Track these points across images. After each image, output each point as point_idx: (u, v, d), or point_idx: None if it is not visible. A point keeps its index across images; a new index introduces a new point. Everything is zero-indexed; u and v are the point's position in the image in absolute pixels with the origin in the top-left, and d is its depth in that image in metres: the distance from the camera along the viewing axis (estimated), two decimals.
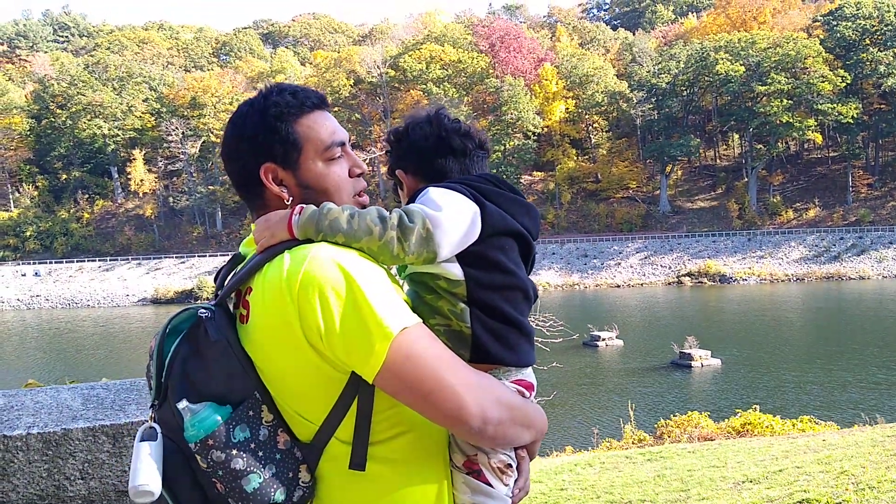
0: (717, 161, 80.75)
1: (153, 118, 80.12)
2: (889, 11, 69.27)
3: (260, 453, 1.28)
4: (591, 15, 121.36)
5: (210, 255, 69.99)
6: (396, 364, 1.24)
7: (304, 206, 1.35)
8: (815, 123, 68.69)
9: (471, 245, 1.36)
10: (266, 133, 1.42)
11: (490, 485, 1.40)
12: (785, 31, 74.16)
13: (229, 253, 73.75)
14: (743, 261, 63.76)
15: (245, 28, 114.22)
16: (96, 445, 1.94)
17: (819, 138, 72.74)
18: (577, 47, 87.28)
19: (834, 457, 6.95)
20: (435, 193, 1.36)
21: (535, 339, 1.63)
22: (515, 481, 1.46)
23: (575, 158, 79.35)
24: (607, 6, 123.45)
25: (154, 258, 71.22)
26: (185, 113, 78.80)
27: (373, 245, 1.30)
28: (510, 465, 1.43)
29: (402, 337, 1.24)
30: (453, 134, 1.54)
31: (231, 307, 1.39)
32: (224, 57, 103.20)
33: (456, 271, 1.37)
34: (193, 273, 67.19)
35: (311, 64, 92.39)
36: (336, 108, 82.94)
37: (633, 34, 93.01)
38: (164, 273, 68.48)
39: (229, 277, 1.43)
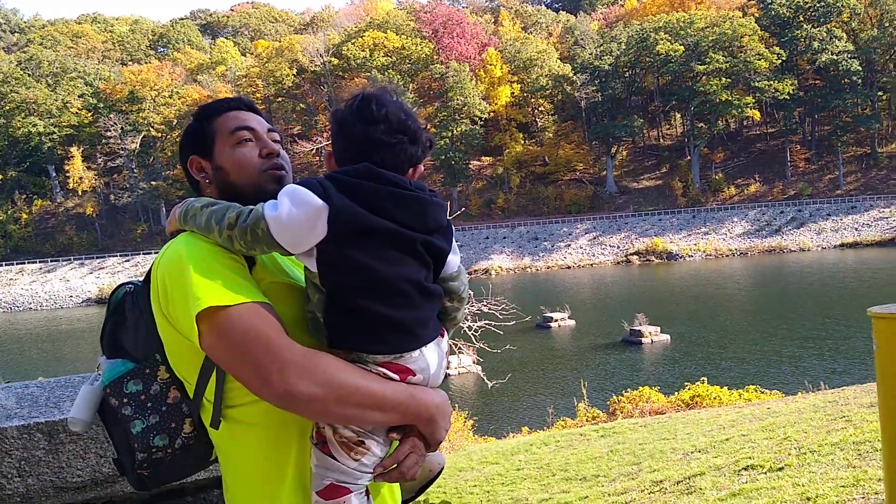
0: (661, 141, 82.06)
1: (90, 114, 78.03)
2: None
3: (149, 405, 1.52)
4: None
5: (156, 253, 67.66)
6: (210, 336, 1.38)
7: (188, 199, 1.55)
8: (753, 101, 70.27)
9: (324, 242, 1.39)
10: (191, 132, 1.70)
11: (334, 458, 1.43)
12: (721, 11, 75.55)
13: None
14: (688, 238, 65.06)
15: (182, 19, 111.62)
16: (32, 443, 1.92)
17: (757, 115, 74.45)
18: (520, 31, 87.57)
19: (777, 423, 7.16)
20: (285, 191, 1.41)
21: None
22: (383, 461, 1.47)
23: (522, 142, 79.85)
24: None
25: (97, 257, 69.56)
26: (124, 107, 76.96)
27: (217, 240, 1.45)
28: (362, 443, 1.44)
29: (216, 313, 1.37)
30: (355, 121, 1.50)
31: None
32: (162, 49, 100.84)
33: (311, 265, 1.44)
34: (139, 271, 65.70)
35: (252, 54, 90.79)
36: (280, 99, 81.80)
37: (575, 17, 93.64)
38: (109, 272, 66.97)
39: None
